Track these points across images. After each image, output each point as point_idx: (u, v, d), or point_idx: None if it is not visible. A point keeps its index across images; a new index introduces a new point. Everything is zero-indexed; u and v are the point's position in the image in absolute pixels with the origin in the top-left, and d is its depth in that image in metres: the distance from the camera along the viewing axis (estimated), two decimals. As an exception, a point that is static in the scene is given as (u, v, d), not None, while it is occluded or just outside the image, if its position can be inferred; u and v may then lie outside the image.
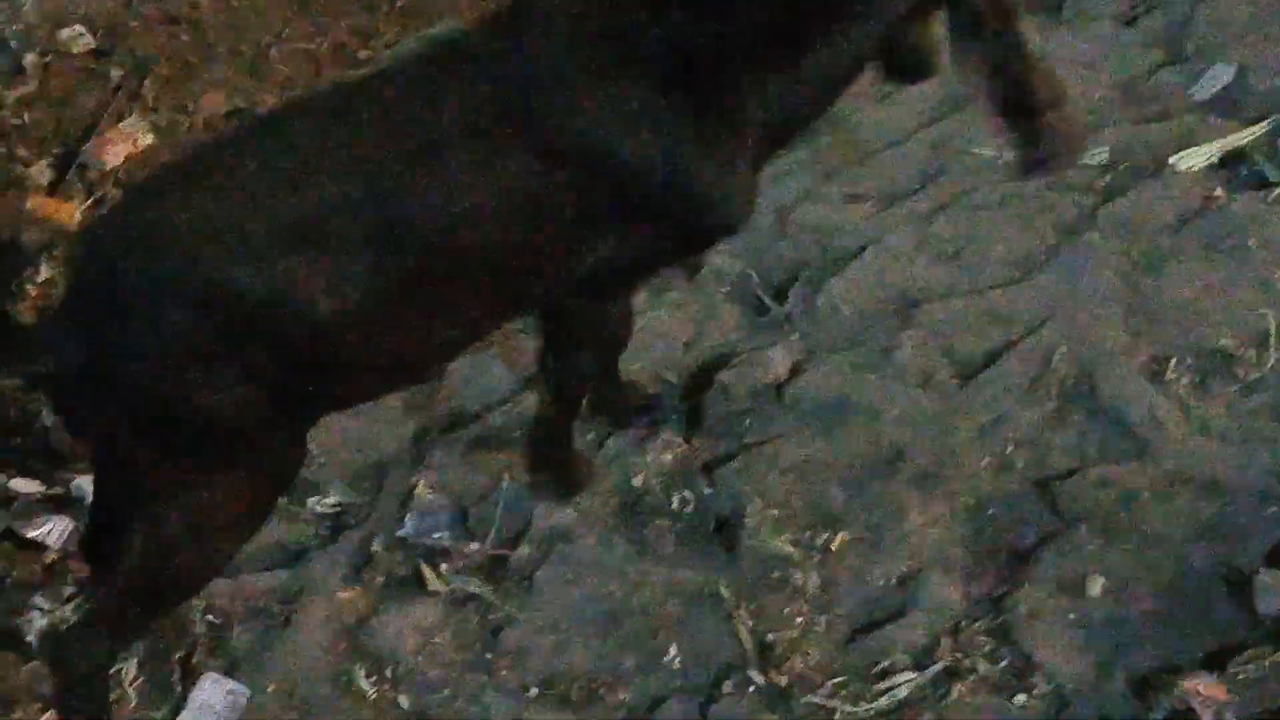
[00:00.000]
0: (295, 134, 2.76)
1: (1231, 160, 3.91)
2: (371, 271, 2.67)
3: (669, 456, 3.41)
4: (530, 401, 3.46)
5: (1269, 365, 3.40)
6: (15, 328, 2.67)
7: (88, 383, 2.62)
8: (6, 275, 2.61)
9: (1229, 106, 4.07)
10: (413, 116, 2.73)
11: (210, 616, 3.21)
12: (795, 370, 3.57)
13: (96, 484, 3.09)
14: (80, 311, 2.63)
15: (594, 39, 2.77)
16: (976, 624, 3.07)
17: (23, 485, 3.48)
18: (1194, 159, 3.88)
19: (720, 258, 3.83)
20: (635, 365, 3.56)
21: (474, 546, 3.31)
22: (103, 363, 2.59)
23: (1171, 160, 3.87)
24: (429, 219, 2.70)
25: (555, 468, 3.38)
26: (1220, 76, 4.13)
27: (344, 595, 3.25)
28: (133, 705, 3.09)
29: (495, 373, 3.62)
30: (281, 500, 3.18)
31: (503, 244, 2.77)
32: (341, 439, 3.49)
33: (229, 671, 3.12)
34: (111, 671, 3.02)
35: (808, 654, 3.08)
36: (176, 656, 3.16)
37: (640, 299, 3.52)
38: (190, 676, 3.12)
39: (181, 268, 2.60)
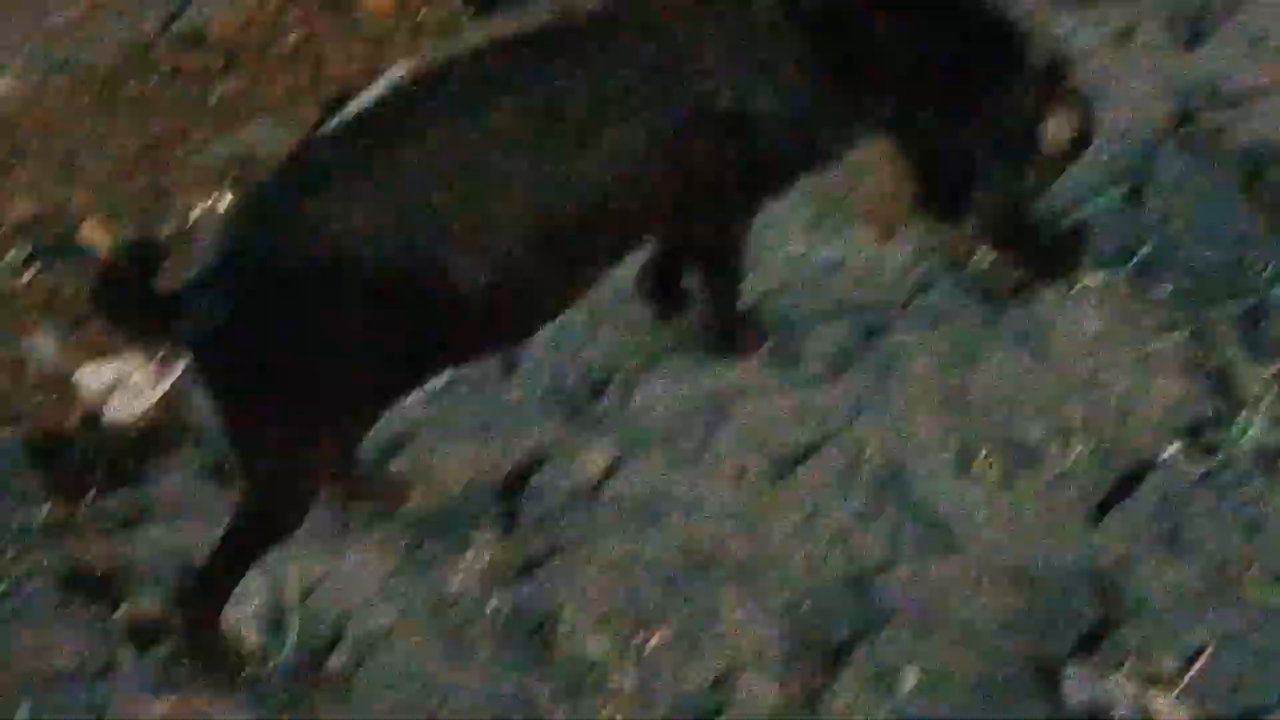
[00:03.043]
0: (440, 110, 2.97)
1: (1035, 254, 3.98)
2: (528, 240, 2.97)
3: (485, 559, 3.39)
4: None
5: (1074, 457, 3.45)
6: (161, 298, 2.86)
7: (235, 352, 2.90)
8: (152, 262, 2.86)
9: (1032, 202, 4.14)
10: (566, 87, 3.01)
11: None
12: (611, 469, 3.56)
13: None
14: (229, 283, 2.85)
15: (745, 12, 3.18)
16: (792, 722, 3.09)
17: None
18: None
19: (536, 355, 3.84)
20: (450, 465, 3.56)
21: (288, 652, 3.27)
22: (254, 338, 2.87)
23: (976, 256, 3.94)
24: (588, 186, 3.01)
25: (729, 342, 3.74)
26: (1023, 173, 4.20)
27: (158, 707, 3.19)
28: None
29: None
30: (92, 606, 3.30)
31: (653, 199, 3.16)
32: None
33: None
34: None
35: (626, 757, 3.07)
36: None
37: (452, 406, 3.56)
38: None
39: (339, 247, 2.84)
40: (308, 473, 3.11)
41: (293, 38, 4.80)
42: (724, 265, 3.59)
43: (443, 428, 3.67)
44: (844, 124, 3.37)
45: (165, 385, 3.87)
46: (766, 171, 3.35)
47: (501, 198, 2.94)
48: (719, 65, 3.13)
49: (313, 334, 2.91)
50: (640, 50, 3.10)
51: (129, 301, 2.84)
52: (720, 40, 3.15)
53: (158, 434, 3.84)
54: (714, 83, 3.12)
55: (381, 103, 2.96)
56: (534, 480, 3.55)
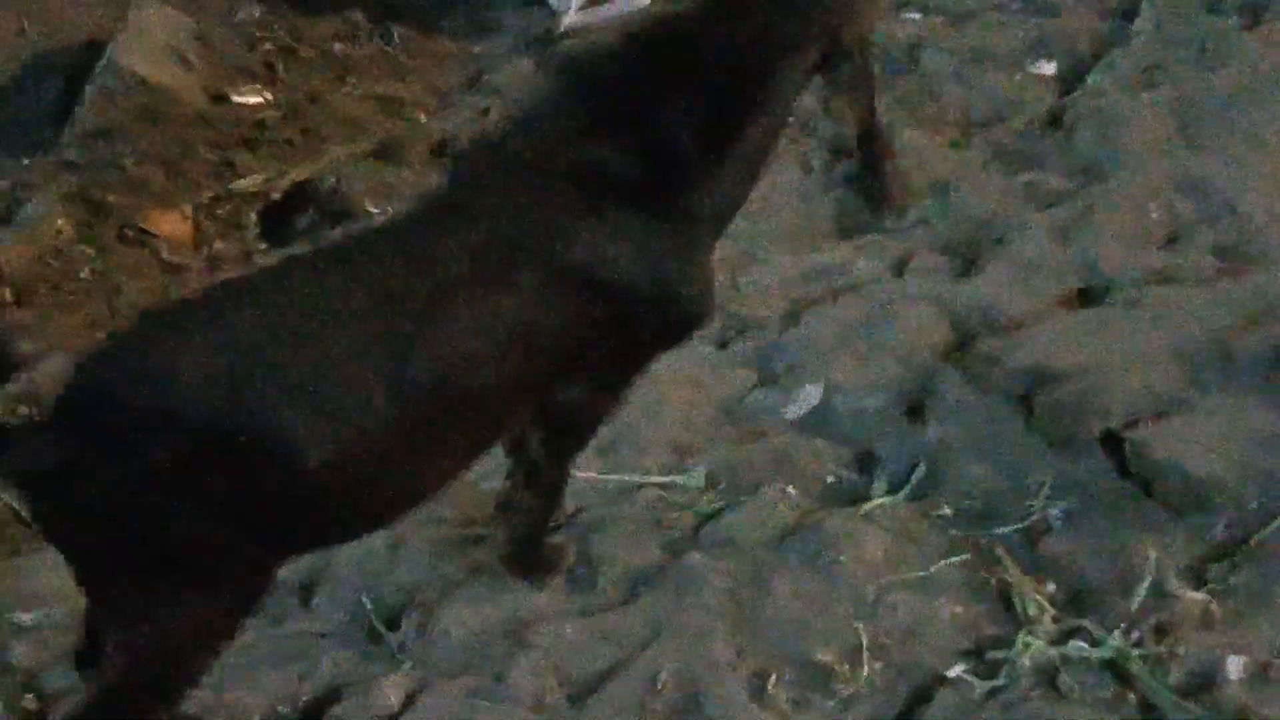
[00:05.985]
0: (299, 283, 2.98)
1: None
2: (374, 417, 2.87)
3: (283, 799, 3.38)
4: None
5: (864, 678, 3.52)
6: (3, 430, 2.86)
7: (64, 493, 2.77)
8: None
9: (819, 425, 4.26)
10: (414, 266, 2.98)
11: None
12: (409, 700, 3.56)
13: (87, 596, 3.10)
14: (65, 426, 2.79)
15: (567, 174, 3.09)
16: None
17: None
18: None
19: (334, 585, 3.85)
20: (248, 699, 3.54)
21: None
22: (82, 478, 2.75)
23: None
24: (438, 359, 2.93)
25: (533, 560, 3.72)
26: (810, 396, 4.34)
27: None
28: None
29: None
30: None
31: (509, 370, 3.04)
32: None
33: None
34: None
35: None
36: None
37: (250, 634, 3.54)
38: None
39: (175, 405, 2.77)
40: (179, 634, 2.94)
41: (87, 270, 4.81)
42: (566, 453, 3.50)
43: (240, 658, 3.65)
44: (695, 234, 3.21)
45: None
46: (644, 322, 3.22)
47: (346, 367, 2.87)
48: (561, 224, 3.07)
49: (142, 483, 2.78)
50: (480, 218, 3.06)
51: None
52: (561, 200, 3.09)
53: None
54: (559, 241, 3.07)
55: (249, 275, 3.00)
56: (332, 712, 3.53)
